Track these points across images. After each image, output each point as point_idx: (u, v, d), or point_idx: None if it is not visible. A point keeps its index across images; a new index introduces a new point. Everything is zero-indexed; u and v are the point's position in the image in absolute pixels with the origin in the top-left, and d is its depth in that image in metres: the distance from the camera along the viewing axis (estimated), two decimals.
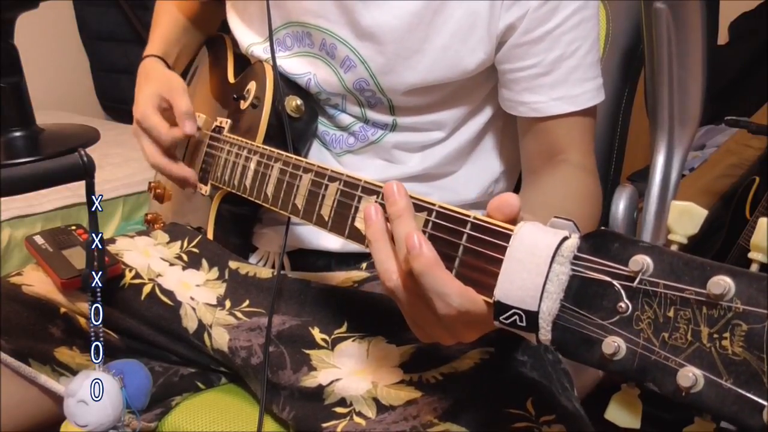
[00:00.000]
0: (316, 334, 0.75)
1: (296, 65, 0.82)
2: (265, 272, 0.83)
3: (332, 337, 0.75)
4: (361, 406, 0.67)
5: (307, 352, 0.74)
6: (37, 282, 0.80)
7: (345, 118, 0.82)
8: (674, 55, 0.83)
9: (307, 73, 0.81)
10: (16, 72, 0.66)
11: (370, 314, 0.75)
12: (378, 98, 0.79)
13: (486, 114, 0.83)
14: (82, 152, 0.59)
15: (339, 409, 0.68)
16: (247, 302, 0.81)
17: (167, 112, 0.84)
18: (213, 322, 0.80)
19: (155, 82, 0.86)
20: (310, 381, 0.72)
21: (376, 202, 0.54)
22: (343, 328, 0.75)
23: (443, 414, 0.63)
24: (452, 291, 0.47)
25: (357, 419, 0.67)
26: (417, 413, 0.64)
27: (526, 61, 0.73)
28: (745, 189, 1.62)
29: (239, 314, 0.80)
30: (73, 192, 1.66)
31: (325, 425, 0.68)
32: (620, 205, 0.94)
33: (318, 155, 0.85)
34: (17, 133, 0.66)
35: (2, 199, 1.34)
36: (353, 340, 0.74)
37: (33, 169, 0.60)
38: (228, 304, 0.81)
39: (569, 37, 0.72)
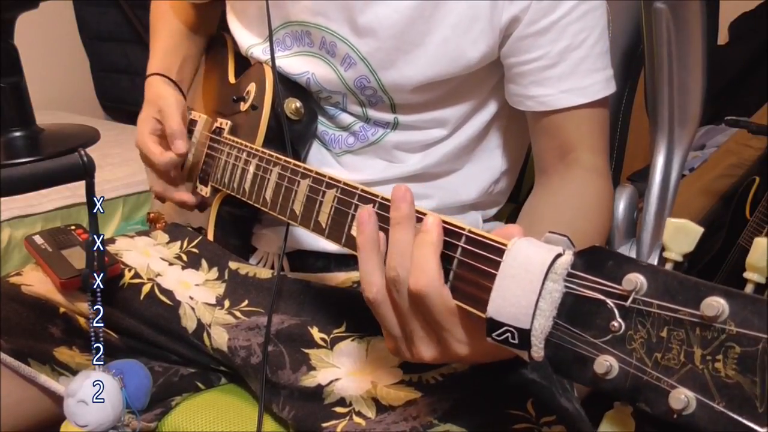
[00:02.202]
0: (315, 333, 0.75)
1: (295, 64, 0.82)
2: (265, 273, 0.83)
3: (331, 336, 0.75)
4: (360, 406, 0.67)
5: (306, 351, 0.74)
6: (37, 282, 0.80)
7: (346, 118, 0.82)
8: (674, 55, 0.83)
9: (305, 72, 0.81)
10: (16, 72, 0.66)
11: (370, 314, 0.74)
12: (379, 96, 0.78)
13: (488, 112, 0.82)
14: (82, 152, 0.59)
15: (339, 409, 0.68)
16: (246, 302, 0.81)
17: (164, 134, 0.85)
18: (212, 322, 0.80)
19: (149, 104, 0.88)
20: (310, 381, 0.72)
21: (372, 206, 0.54)
22: (342, 328, 0.75)
23: (443, 414, 0.63)
24: (428, 271, 0.47)
25: (357, 419, 0.67)
26: (417, 413, 0.64)
27: (532, 54, 0.72)
28: (745, 189, 1.62)
29: (238, 313, 0.80)
30: (73, 192, 1.66)
31: (325, 425, 0.68)
32: (620, 205, 0.94)
33: (317, 155, 0.85)
34: (17, 133, 0.66)
35: (2, 199, 1.34)
36: (352, 340, 0.74)
37: (33, 169, 0.60)
38: (227, 303, 0.81)
39: (576, 28, 0.71)
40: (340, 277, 0.82)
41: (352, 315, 0.76)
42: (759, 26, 1.92)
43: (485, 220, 0.89)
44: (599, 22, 0.73)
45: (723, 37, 2.03)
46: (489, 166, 0.86)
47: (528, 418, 0.62)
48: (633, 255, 0.91)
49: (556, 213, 0.71)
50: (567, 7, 0.71)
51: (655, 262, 0.96)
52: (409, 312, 0.49)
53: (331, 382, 0.70)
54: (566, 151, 0.76)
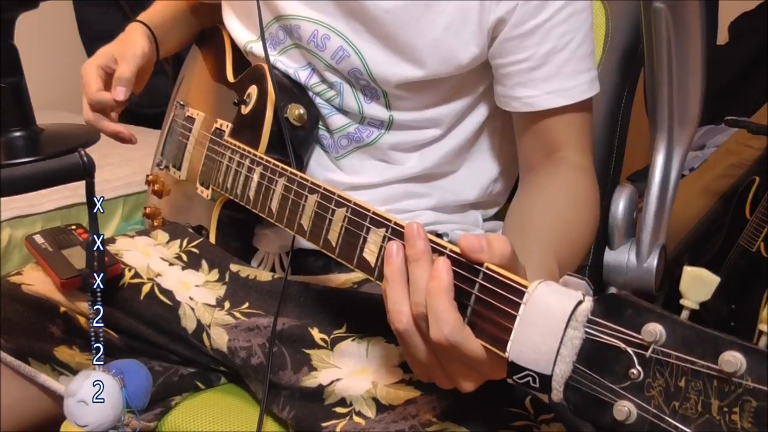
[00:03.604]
0: (316, 334, 0.75)
1: (294, 57, 0.82)
2: (266, 275, 0.83)
3: (331, 337, 0.75)
4: (360, 405, 0.67)
5: (307, 351, 0.74)
6: (37, 281, 0.80)
7: (340, 119, 0.82)
8: (674, 55, 0.83)
9: (307, 65, 0.81)
10: (16, 72, 0.66)
11: (370, 315, 0.75)
12: (373, 89, 0.79)
13: (483, 111, 0.83)
14: (82, 152, 0.59)
15: (339, 409, 0.68)
16: (247, 304, 0.81)
17: (113, 74, 0.84)
18: (211, 322, 0.80)
19: (117, 42, 0.87)
20: (311, 381, 0.72)
21: (385, 235, 0.55)
22: (343, 329, 0.75)
23: (442, 413, 0.63)
24: (448, 319, 0.47)
25: (357, 419, 0.67)
26: (416, 412, 0.64)
27: (517, 55, 0.73)
28: (745, 189, 1.62)
29: (238, 314, 0.80)
30: (73, 192, 1.66)
31: (324, 425, 0.68)
32: (620, 205, 0.94)
33: (317, 158, 0.85)
34: (17, 133, 0.66)
35: (2, 199, 1.34)
36: (352, 340, 0.74)
37: (33, 169, 0.60)
38: (227, 305, 0.81)
39: (560, 30, 0.72)
40: (341, 279, 0.82)
41: (352, 316, 0.76)
42: (759, 26, 1.92)
43: (485, 219, 0.89)
44: (583, 24, 0.74)
45: (723, 37, 2.03)
46: (486, 166, 0.86)
47: (526, 415, 0.62)
48: (632, 254, 0.92)
49: (547, 206, 0.72)
50: (552, 10, 0.71)
51: (654, 263, 0.96)
52: (441, 349, 0.50)
53: (332, 382, 0.70)
54: (552, 150, 0.77)
